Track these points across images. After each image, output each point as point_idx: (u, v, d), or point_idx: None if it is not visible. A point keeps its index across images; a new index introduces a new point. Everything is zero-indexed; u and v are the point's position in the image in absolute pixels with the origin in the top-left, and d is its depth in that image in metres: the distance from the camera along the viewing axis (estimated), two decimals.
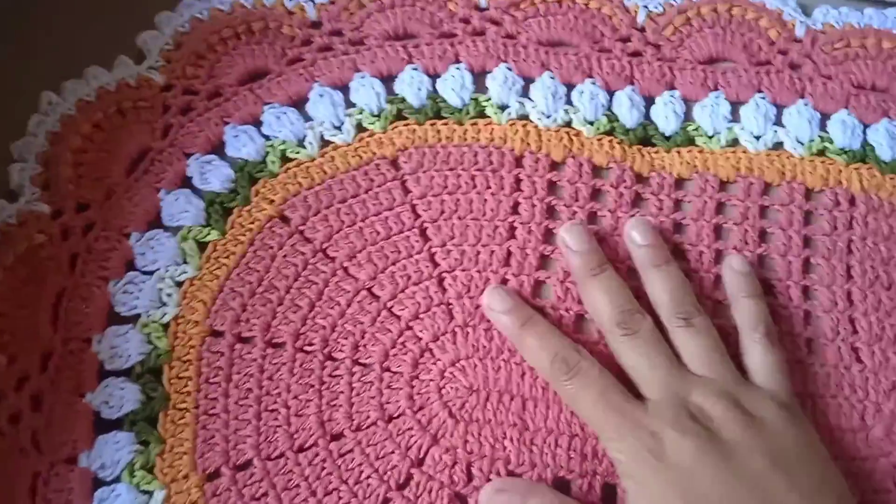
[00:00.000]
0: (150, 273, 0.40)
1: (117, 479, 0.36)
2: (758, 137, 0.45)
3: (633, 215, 0.42)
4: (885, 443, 0.39)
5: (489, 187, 0.43)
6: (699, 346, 0.38)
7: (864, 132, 0.46)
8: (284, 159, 0.43)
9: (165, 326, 0.39)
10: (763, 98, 0.46)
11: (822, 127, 0.46)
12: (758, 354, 0.39)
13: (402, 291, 0.41)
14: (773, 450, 0.34)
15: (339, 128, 0.44)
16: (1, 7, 0.44)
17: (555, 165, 0.44)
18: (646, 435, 0.34)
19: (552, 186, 0.43)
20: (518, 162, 0.44)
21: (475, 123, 0.44)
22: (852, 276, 0.42)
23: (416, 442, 0.38)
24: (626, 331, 0.38)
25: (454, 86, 0.45)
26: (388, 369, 0.39)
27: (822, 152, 0.45)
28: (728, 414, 0.35)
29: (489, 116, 0.45)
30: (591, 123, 0.45)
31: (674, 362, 0.38)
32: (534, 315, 0.39)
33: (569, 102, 0.46)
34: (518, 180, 0.43)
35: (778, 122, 0.46)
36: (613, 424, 0.36)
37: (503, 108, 0.45)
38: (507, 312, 0.39)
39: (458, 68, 0.46)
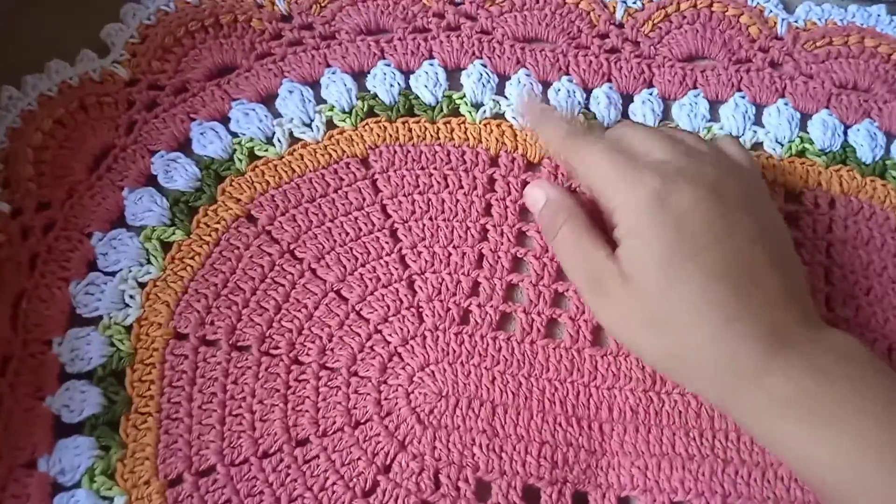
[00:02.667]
0: (113, 274, 0.39)
1: (77, 485, 0.36)
2: (737, 137, 0.44)
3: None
4: None
5: (461, 187, 0.42)
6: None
7: (845, 133, 0.45)
8: (252, 157, 0.42)
9: (128, 328, 0.38)
10: (742, 97, 0.45)
11: (803, 127, 0.45)
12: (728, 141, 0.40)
13: (371, 294, 0.40)
14: (760, 216, 0.36)
15: (308, 125, 0.43)
16: None
17: (531, 166, 0.43)
18: (653, 178, 0.35)
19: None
20: (493, 161, 0.43)
21: (448, 122, 0.43)
22: (831, 281, 0.42)
23: (382, 448, 0.37)
24: (581, 135, 0.38)
25: (427, 83, 0.44)
26: (355, 374, 0.39)
27: (801, 153, 0.44)
28: (726, 169, 0.36)
29: (463, 115, 0.44)
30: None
31: None
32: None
33: (545, 101, 0.45)
34: (492, 180, 0.42)
35: (757, 121, 0.45)
36: (620, 171, 0.35)
37: (478, 106, 0.44)
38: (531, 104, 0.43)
39: (431, 64, 0.45)
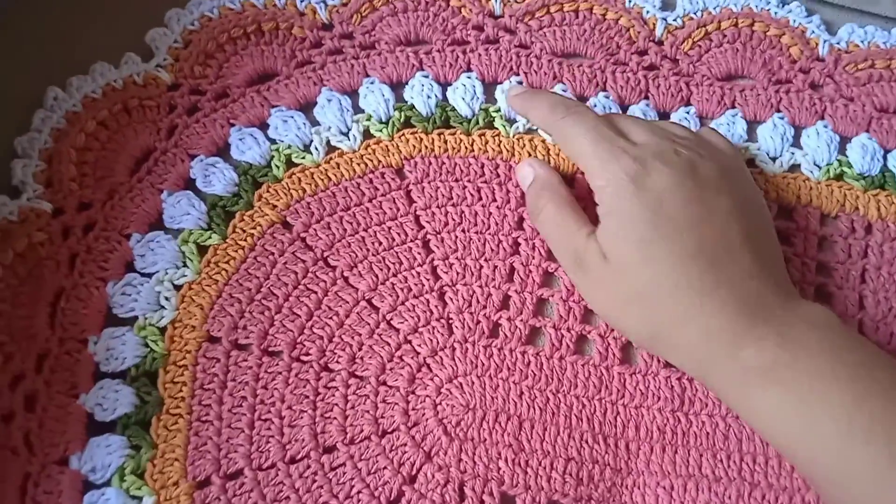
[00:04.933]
0: (150, 275, 0.40)
1: (107, 483, 0.36)
2: (774, 159, 0.44)
3: None
4: None
5: (494, 200, 0.42)
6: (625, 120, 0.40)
7: (885, 157, 0.45)
8: (289, 164, 0.43)
9: (162, 330, 0.39)
10: (781, 118, 0.45)
11: (842, 150, 0.45)
12: (709, 132, 0.42)
13: (402, 304, 0.40)
14: (737, 197, 0.36)
15: (346, 134, 0.43)
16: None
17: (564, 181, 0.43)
18: (630, 162, 0.36)
19: None
20: None
21: (483, 135, 0.44)
22: (864, 307, 0.41)
23: (408, 458, 0.37)
24: (566, 112, 0.39)
25: (465, 95, 0.44)
26: (384, 383, 0.39)
27: (839, 176, 0.44)
28: (704, 153, 0.37)
29: (497, 128, 0.44)
30: None
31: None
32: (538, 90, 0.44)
33: None
34: (525, 194, 0.42)
35: (796, 143, 0.45)
36: (601, 153, 0.37)
37: (511, 121, 0.44)
38: (519, 92, 0.43)
39: (469, 77, 0.45)
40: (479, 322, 0.40)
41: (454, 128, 0.44)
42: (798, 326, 0.34)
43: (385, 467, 0.37)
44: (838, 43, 0.47)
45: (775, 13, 0.47)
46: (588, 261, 0.37)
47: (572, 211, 0.38)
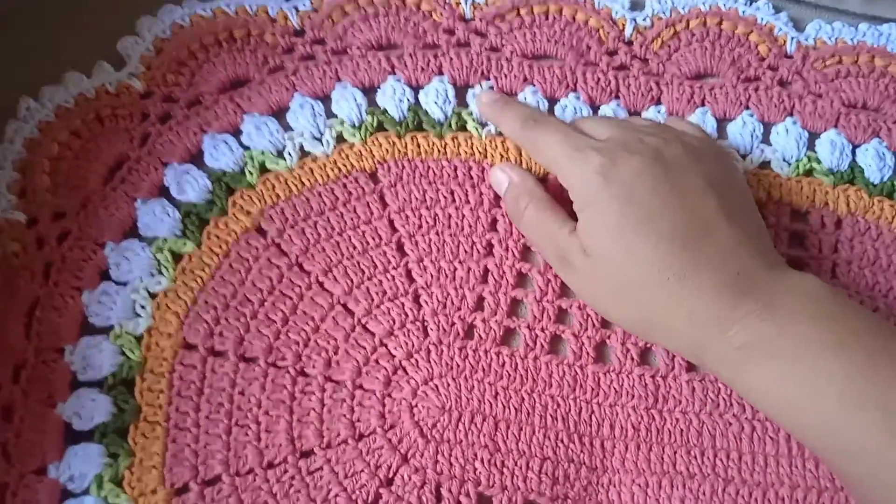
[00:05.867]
0: (125, 284, 0.40)
1: (86, 492, 0.36)
2: (744, 156, 0.45)
3: None
4: None
5: (468, 202, 0.42)
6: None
7: (853, 153, 0.45)
8: (263, 170, 0.43)
9: (139, 338, 0.39)
10: (751, 115, 0.45)
11: (811, 146, 0.45)
12: (676, 119, 0.43)
13: (377, 307, 0.40)
14: (708, 174, 0.37)
15: (318, 139, 0.44)
16: None
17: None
18: (596, 156, 0.36)
19: None
20: None
21: (455, 137, 0.44)
22: None
23: (385, 461, 0.38)
24: (535, 125, 0.40)
25: (437, 99, 0.44)
26: (360, 386, 0.39)
27: (809, 172, 0.45)
28: (669, 138, 0.38)
29: (470, 131, 0.44)
30: None
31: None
32: (509, 98, 0.44)
33: None
34: (498, 196, 0.42)
35: (765, 140, 0.45)
36: (569, 153, 0.38)
37: (484, 124, 0.44)
38: (490, 101, 0.44)
39: (441, 81, 0.45)
40: (453, 324, 0.40)
41: (427, 131, 0.44)
42: (785, 297, 0.34)
43: (362, 470, 0.37)
44: (806, 40, 0.48)
45: (743, 11, 0.48)
46: (571, 257, 0.37)
47: (552, 211, 0.39)
